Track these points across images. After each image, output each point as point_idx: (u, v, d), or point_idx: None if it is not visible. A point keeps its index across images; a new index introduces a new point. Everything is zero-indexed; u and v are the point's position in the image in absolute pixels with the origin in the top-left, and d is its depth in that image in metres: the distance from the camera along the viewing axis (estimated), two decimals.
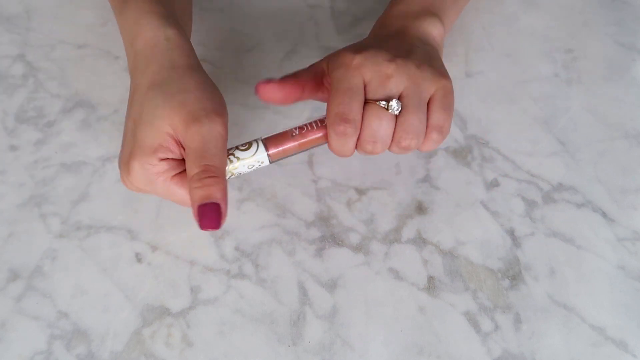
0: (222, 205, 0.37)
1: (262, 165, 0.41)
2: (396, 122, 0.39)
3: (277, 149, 0.41)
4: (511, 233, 0.47)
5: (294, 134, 0.41)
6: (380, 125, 0.38)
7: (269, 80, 0.40)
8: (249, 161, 0.40)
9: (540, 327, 0.43)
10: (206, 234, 0.46)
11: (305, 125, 0.41)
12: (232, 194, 0.48)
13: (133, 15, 0.42)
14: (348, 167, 0.50)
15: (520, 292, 0.45)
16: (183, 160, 0.39)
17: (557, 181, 0.50)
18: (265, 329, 0.43)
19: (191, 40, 0.56)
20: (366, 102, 0.39)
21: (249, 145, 0.41)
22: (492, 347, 0.43)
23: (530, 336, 0.43)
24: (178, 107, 0.37)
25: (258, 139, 0.41)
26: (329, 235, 0.47)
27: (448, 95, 0.40)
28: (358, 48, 0.40)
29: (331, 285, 0.45)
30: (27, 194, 0.47)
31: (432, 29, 0.44)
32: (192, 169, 0.37)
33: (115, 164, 0.49)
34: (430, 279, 0.45)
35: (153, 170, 0.38)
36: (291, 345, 0.42)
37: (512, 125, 0.52)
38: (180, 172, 0.39)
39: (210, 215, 0.36)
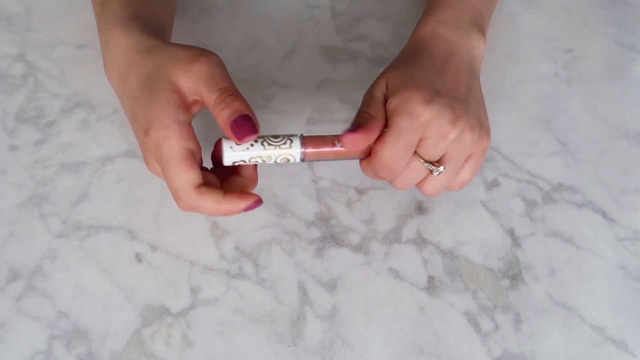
0: (251, 115, 0.38)
1: (291, 161, 0.41)
2: (427, 178, 0.43)
3: (315, 150, 0.41)
4: (511, 233, 0.47)
5: (335, 142, 0.41)
6: (416, 179, 0.42)
7: (354, 131, 0.40)
8: (280, 152, 0.40)
9: (540, 327, 0.43)
10: (206, 234, 0.46)
11: None
12: None
13: (108, 20, 0.43)
14: (348, 167, 0.50)
15: (520, 292, 0.45)
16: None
17: (557, 181, 0.50)
18: (265, 329, 0.43)
19: (191, 40, 0.56)
20: (414, 153, 0.41)
21: (283, 138, 0.40)
22: (492, 347, 0.43)
23: (530, 336, 0.43)
24: (172, 62, 0.39)
25: (296, 134, 0.41)
26: (329, 235, 0.47)
27: (483, 156, 0.44)
28: (429, 95, 0.40)
29: (331, 285, 0.45)
30: (27, 194, 0.47)
31: (478, 51, 0.46)
32: (210, 97, 0.38)
33: (115, 164, 0.49)
34: (430, 279, 0.45)
35: (163, 133, 0.37)
36: (291, 345, 0.42)
37: (512, 125, 0.52)
38: (190, 149, 0.38)
39: (244, 124, 0.37)
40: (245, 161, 0.40)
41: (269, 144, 0.40)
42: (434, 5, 0.47)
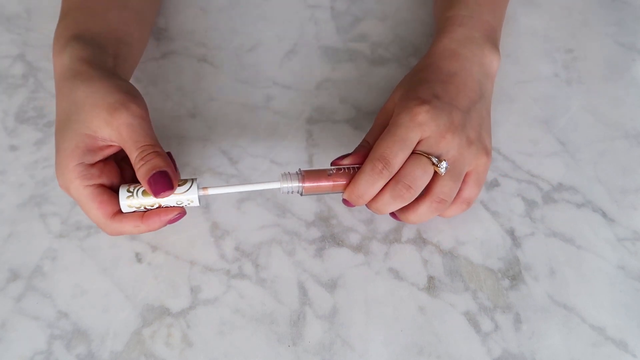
0: (169, 171, 0.39)
1: (193, 203, 0.40)
2: (434, 182, 0.41)
3: (309, 184, 0.42)
4: (511, 233, 0.47)
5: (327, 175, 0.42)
6: (422, 176, 0.40)
7: (341, 158, 0.43)
8: (179, 197, 0.40)
9: (540, 327, 0.43)
10: (206, 234, 0.46)
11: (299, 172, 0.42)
12: (232, 194, 0.48)
13: (57, 36, 0.44)
14: None
15: (520, 292, 0.45)
16: (96, 166, 0.40)
17: (557, 181, 0.50)
18: (265, 329, 0.43)
19: (191, 40, 0.56)
20: (414, 152, 0.41)
21: (183, 181, 0.40)
22: (492, 347, 0.43)
23: (530, 336, 0.43)
24: (92, 107, 0.39)
25: (195, 178, 0.41)
26: (329, 235, 0.47)
27: (484, 172, 0.44)
28: (428, 97, 0.42)
29: (331, 285, 0.45)
30: (27, 194, 0.47)
31: (492, 68, 0.47)
32: (132, 153, 0.39)
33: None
34: (430, 279, 0.45)
35: (68, 176, 0.39)
36: (291, 345, 0.42)
37: (512, 125, 0.52)
38: (96, 185, 0.39)
39: (160, 180, 0.38)
40: (142, 208, 0.40)
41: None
42: (447, 23, 0.48)
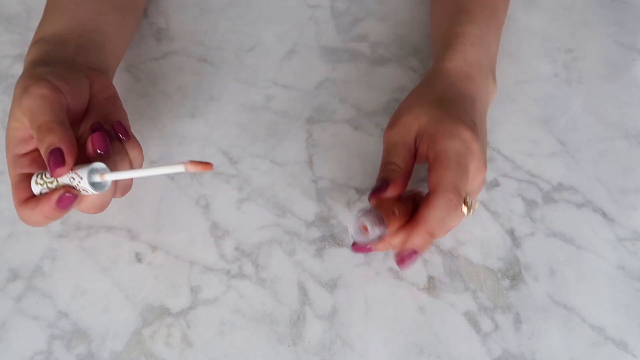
0: (63, 147, 0.37)
1: (86, 192, 0.39)
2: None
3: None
4: (511, 233, 0.47)
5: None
6: (456, 221, 0.41)
7: (383, 189, 0.40)
8: (76, 182, 0.38)
9: (540, 327, 0.43)
10: (206, 234, 0.46)
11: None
12: (232, 194, 0.48)
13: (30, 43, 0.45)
14: (348, 167, 0.50)
15: (520, 292, 0.45)
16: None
17: (557, 181, 0.50)
18: (265, 329, 0.43)
19: (191, 40, 0.56)
20: None
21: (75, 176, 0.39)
22: (492, 347, 0.42)
23: (530, 336, 0.43)
24: (15, 98, 0.40)
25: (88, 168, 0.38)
26: (329, 235, 0.47)
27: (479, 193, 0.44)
28: (470, 124, 0.41)
29: (331, 285, 0.45)
30: None
31: (490, 98, 0.48)
32: (34, 134, 0.38)
33: None
34: (430, 279, 0.45)
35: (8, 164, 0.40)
36: (291, 345, 0.42)
37: (512, 125, 0.52)
38: (23, 174, 0.40)
39: (53, 158, 0.37)
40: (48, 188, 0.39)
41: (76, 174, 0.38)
42: (458, 40, 0.47)
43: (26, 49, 0.54)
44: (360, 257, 0.46)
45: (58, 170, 0.37)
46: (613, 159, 0.51)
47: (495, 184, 0.49)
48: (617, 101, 0.54)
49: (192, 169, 0.35)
